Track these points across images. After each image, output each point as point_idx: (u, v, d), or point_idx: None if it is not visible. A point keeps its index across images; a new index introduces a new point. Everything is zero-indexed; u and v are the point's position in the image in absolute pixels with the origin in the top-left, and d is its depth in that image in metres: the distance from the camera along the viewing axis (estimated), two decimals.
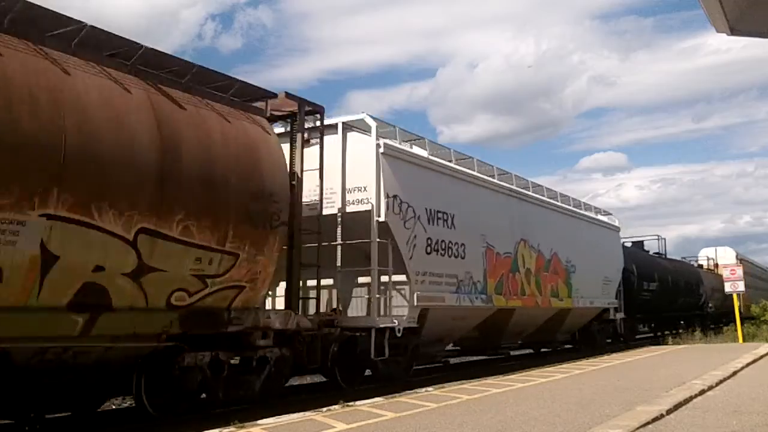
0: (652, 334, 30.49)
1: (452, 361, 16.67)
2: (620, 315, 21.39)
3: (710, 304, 33.93)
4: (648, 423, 6.18)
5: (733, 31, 5.35)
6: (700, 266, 39.71)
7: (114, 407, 10.63)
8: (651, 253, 30.13)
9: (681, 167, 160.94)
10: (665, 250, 32.14)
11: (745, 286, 36.30)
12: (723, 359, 12.80)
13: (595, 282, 19.11)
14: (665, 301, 27.02)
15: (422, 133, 12.29)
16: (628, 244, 27.45)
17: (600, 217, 21.49)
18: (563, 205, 18.38)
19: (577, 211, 19.29)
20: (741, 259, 41.01)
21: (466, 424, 6.20)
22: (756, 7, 5.05)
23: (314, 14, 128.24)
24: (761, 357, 13.74)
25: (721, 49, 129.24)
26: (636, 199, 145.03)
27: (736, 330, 21.12)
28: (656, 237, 32.75)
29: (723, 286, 35.88)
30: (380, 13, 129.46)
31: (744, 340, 20.38)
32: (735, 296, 21.15)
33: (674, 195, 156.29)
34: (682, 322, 30.60)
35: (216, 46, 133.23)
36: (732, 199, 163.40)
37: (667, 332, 29.30)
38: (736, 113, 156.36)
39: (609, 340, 21.55)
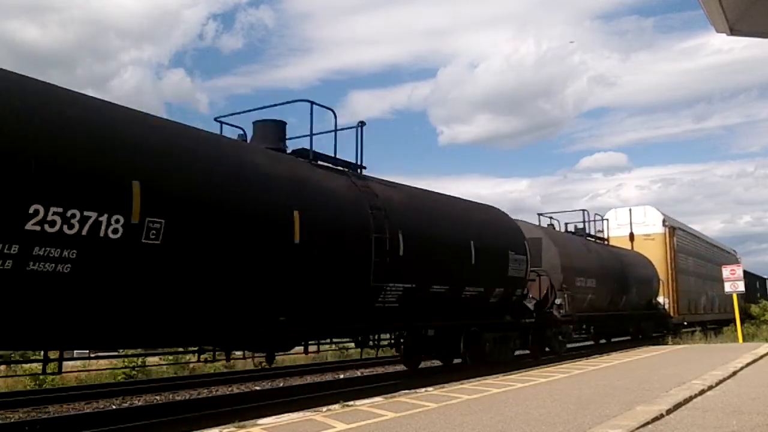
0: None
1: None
2: None
3: (558, 302, 16.30)
4: (648, 423, 6.18)
5: (733, 31, 5.36)
6: (557, 227, 20.49)
7: (114, 407, 10.64)
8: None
9: (681, 167, 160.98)
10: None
11: (680, 272, 26.72)
12: (723, 359, 12.80)
13: None
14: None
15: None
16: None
17: None
18: None
19: None
20: (671, 227, 26.93)
21: (466, 424, 6.20)
22: (756, 7, 5.06)
23: (316, 14, 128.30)
24: (761, 357, 13.74)
25: (722, 49, 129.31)
26: (636, 199, 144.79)
27: (736, 330, 21.13)
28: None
29: (612, 269, 20.02)
30: (381, 12, 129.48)
31: (744, 340, 20.38)
32: (735, 296, 21.09)
33: (674, 195, 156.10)
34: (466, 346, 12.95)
35: (217, 47, 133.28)
36: (732, 199, 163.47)
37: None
38: (737, 113, 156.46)
39: None
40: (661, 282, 25.34)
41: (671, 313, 25.85)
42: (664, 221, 26.65)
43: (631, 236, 26.04)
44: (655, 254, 25.61)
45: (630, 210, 26.63)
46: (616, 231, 25.63)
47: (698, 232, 34.39)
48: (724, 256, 37.62)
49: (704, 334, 22.95)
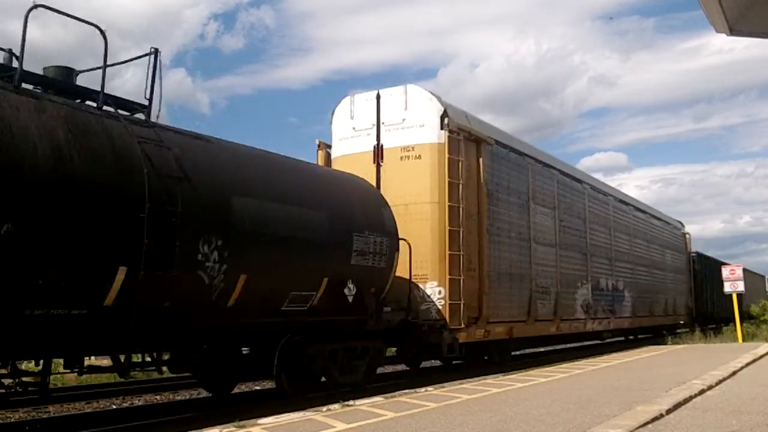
0: None
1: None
2: None
3: None
4: (648, 423, 6.19)
5: (733, 32, 5.37)
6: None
7: (114, 407, 10.65)
8: None
9: (682, 167, 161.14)
10: None
11: (496, 232, 12.38)
12: (722, 359, 12.81)
13: None
14: None
15: None
16: None
17: None
18: None
19: None
20: (463, 131, 12.20)
21: (466, 423, 6.21)
22: (756, 7, 5.07)
23: (317, 14, 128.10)
24: (761, 357, 13.75)
25: (723, 50, 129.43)
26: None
27: (735, 330, 21.13)
28: None
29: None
30: (382, 13, 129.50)
31: (744, 340, 20.39)
32: (734, 296, 21.08)
33: (674, 195, 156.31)
34: None
35: (218, 47, 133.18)
36: (732, 199, 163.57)
37: None
38: (737, 113, 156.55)
39: None
40: (402, 246, 10.88)
41: (450, 321, 11.49)
42: (443, 118, 12.02)
43: (379, 152, 12.27)
44: (423, 190, 11.88)
45: (378, 97, 12.54)
46: (352, 142, 12.69)
47: (571, 167, 18.35)
48: (652, 224, 23.87)
49: (704, 334, 22.94)
